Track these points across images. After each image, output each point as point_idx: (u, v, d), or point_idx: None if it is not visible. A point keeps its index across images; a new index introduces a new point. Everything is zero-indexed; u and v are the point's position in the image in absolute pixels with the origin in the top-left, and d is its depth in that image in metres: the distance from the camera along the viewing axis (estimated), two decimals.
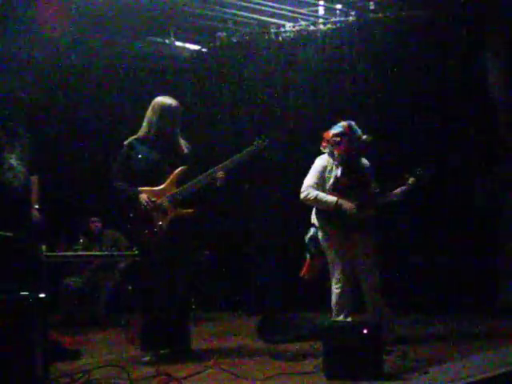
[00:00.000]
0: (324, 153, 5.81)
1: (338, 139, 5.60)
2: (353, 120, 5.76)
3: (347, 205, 5.52)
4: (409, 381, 4.38)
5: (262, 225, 8.30)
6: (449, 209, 7.52)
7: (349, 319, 5.59)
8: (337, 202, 5.54)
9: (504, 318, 6.73)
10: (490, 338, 5.80)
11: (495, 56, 7.42)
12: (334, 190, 5.61)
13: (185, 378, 4.58)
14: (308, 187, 5.66)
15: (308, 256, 6.06)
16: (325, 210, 5.62)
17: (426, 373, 4.50)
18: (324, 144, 5.84)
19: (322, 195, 5.60)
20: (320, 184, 5.65)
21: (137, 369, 4.93)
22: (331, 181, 5.64)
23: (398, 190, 5.62)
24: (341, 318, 5.61)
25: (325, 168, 5.68)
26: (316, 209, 5.75)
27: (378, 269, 5.68)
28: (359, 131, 5.64)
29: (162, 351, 5.28)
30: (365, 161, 5.78)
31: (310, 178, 5.69)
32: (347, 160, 5.61)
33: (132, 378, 4.54)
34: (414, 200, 6.15)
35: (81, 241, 7.63)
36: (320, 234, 5.78)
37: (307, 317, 6.45)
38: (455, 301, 7.21)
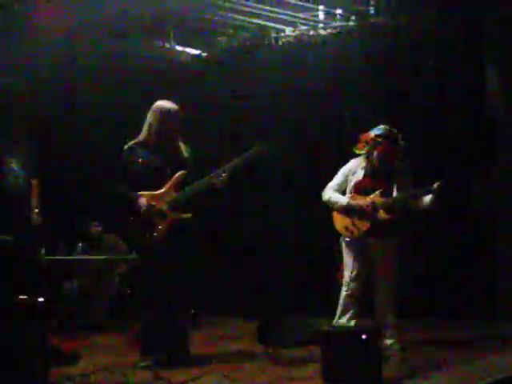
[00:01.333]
0: (358, 155, 5.81)
1: (380, 139, 5.61)
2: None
3: (360, 203, 5.54)
4: None
5: (262, 229, 8.29)
6: (448, 212, 7.52)
7: (352, 323, 5.59)
8: (348, 202, 5.57)
9: (504, 322, 6.72)
10: (490, 343, 5.79)
11: (494, 60, 7.43)
12: (354, 192, 5.64)
13: (184, 382, 4.58)
14: (327, 188, 5.76)
15: (341, 259, 6.04)
16: (340, 212, 5.63)
17: (425, 378, 4.50)
18: (361, 145, 5.80)
19: (335, 196, 5.67)
20: (343, 185, 5.73)
21: (135, 373, 4.93)
22: (353, 182, 5.68)
23: (426, 198, 5.57)
24: (343, 320, 5.60)
25: (350, 170, 5.75)
26: (333, 210, 5.74)
27: (394, 280, 5.64)
28: (399, 136, 5.67)
29: (161, 356, 5.27)
30: (402, 164, 5.77)
31: (333, 180, 5.79)
32: (383, 162, 5.62)
33: (131, 382, 4.54)
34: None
35: (80, 245, 7.63)
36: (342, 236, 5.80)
37: (307, 322, 6.43)
38: (455, 306, 7.20)
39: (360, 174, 5.69)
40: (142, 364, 5.20)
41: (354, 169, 5.74)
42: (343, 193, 5.73)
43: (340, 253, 5.87)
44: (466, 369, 4.82)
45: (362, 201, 5.57)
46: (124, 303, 7.63)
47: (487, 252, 7.42)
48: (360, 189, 5.65)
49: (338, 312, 5.67)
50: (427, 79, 7.71)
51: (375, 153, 5.63)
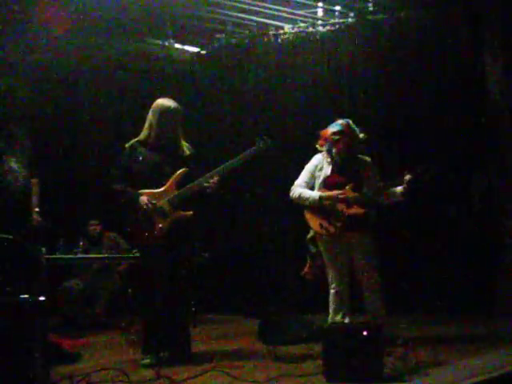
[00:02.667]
0: (320, 151, 5.81)
1: (338, 137, 5.61)
2: (352, 120, 5.77)
3: (331, 194, 5.53)
4: (409, 383, 4.38)
5: (261, 227, 8.30)
6: (447, 208, 7.52)
7: (346, 320, 5.61)
8: (320, 196, 5.56)
9: (504, 319, 6.73)
10: (490, 340, 5.79)
11: (494, 56, 7.42)
12: (324, 188, 5.63)
13: (185, 380, 4.58)
14: (295, 186, 5.74)
15: (309, 256, 6.06)
16: (312, 207, 5.62)
17: (426, 375, 4.50)
18: (321, 142, 5.82)
19: (306, 192, 5.66)
20: (310, 182, 5.71)
21: (137, 372, 4.93)
22: (321, 179, 5.66)
23: (396, 190, 5.58)
24: (338, 318, 5.62)
25: (316, 167, 5.73)
26: (306, 207, 5.73)
27: (377, 270, 5.67)
28: (357, 129, 5.66)
29: (162, 354, 5.27)
30: (366, 158, 5.78)
31: (300, 177, 5.77)
32: (344, 158, 5.62)
33: (132, 380, 4.54)
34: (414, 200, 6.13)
35: (81, 243, 7.63)
36: (316, 235, 5.79)
37: (307, 319, 6.45)
38: (455, 302, 7.21)
39: (328, 170, 5.68)
40: (144, 362, 5.21)
41: (320, 164, 5.73)
42: (311, 189, 5.71)
43: (308, 250, 5.91)
44: (467, 365, 4.82)
45: (335, 193, 5.55)
46: (125, 301, 7.63)
47: (486, 249, 7.42)
48: (329, 184, 5.64)
49: (331, 311, 5.71)
50: (427, 75, 7.71)
51: (334, 150, 5.64)
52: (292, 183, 5.81)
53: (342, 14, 8.29)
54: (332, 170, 5.66)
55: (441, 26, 7.62)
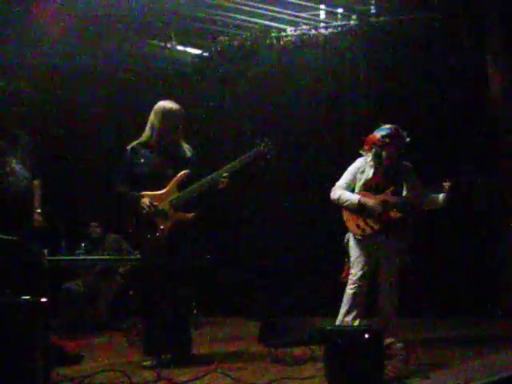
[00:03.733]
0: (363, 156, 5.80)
1: (387, 140, 5.61)
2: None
3: (371, 201, 5.54)
4: None
5: (264, 229, 8.30)
6: (449, 211, 7.52)
7: (356, 322, 5.59)
8: (359, 200, 5.57)
9: (506, 321, 6.72)
10: (491, 342, 5.78)
11: (496, 58, 7.43)
12: (364, 190, 5.64)
13: (186, 382, 4.58)
14: (336, 187, 5.75)
15: (347, 259, 6.04)
16: (351, 210, 5.63)
17: (427, 377, 4.50)
18: (367, 147, 5.79)
19: (346, 194, 5.67)
20: (352, 185, 5.73)
21: (138, 373, 4.92)
22: (361, 181, 5.68)
23: (438, 196, 5.57)
24: (348, 319, 5.60)
25: (358, 169, 5.75)
26: (343, 209, 5.74)
27: (398, 277, 5.64)
28: (405, 135, 5.67)
29: (163, 356, 5.27)
30: (407, 164, 5.77)
31: (341, 179, 5.79)
32: (391, 162, 5.62)
33: (133, 382, 4.54)
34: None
35: (83, 245, 7.64)
36: (348, 234, 5.80)
37: (308, 321, 6.44)
38: (457, 304, 7.20)
39: (370, 173, 5.68)
40: (145, 364, 5.21)
41: (362, 167, 5.74)
42: (352, 191, 5.73)
43: (346, 253, 5.87)
44: (468, 367, 4.81)
45: (373, 200, 5.56)
46: (126, 303, 7.63)
47: (489, 250, 7.42)
48: (370, 187, 5.65)
49: (343, 311, 5.66)
50: (429, 78, 7.71)
51: (384, 153, 5.62)
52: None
53: (345, 17, 8.30)
54: (374, 173, 5.66)
55: (443, 29, 7.63)
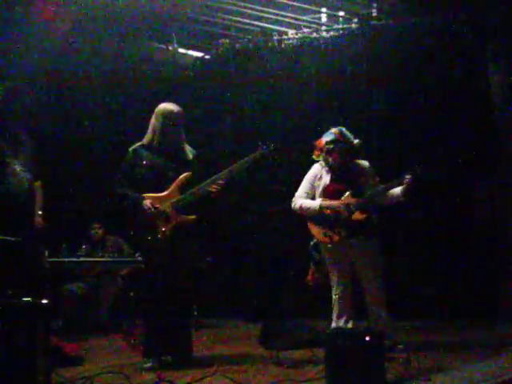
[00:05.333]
0: (317, 161, 5.82)
1: (332, 146, 5.63)
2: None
3: (333, 203, 5.54)
4: None
5: (265, 231, 8.30)
6: (449, 214, 7.53)
7: (349, 325, 5.61)
8: (320, 204, 5.57)
9: (506, 325, 6.72)
10: (491, 345, 5.78)
11: (496, 61, 7.44)
12: (323, 197, 5.64)
13: None
14: (296, 197, 5.77)
15: (312, 263, 6.07)
16: (314, 217, 5.63)
17: (428, 380, 4.50)
18: (317, 152, 5.84)
19: (306, 202, 5.68)
20: (311, 193, 5.73)
21: (138, 375, 4.93)
22: (320, 188, 5.68)
23: (396, 190, 5.58)
24: (340, 323, 5.63)
25: (315, 176, 5.75)
26: (308, 217, 5.74)
27: (379, 275, 5.67)
28: (351, 136, 5.67)
29: (163, 358, 5.28)
30: (363, 162, 5.78)
31: (300, 189, 5.80)
32: (341, 166, 5.63)
33: None
34: (416, 204, 6.12)
35: (83, 247, 7.63)
36: (314, 241, 5.81)
37: (309, 324, 6.45)
38: (457, 307, 7.20)
39: (327, 179, 5.69)
40: (145, 366, 5.21)
41: (318, 174, 5.75)
42: (312, 200, 5.72)
43: (311, 257, 5.91)
44: (469, 370, 4.81)
45: (335, 201, 5.57)
46: (127, 305, 7.62)
47: (489, 253, 7.42)
48: (329, 193, 5.66)
49: (334, 316, 5.72)
50: (430, 81, 7.72)
51: (330, 159, 5.65)
52: (294, 187, 5.82)
53: (346, 20, 8.30)
54: (331, 179, 5.67)
55: (444, 32, 7.63)
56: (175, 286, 5.30)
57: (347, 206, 5.55)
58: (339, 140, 5.62)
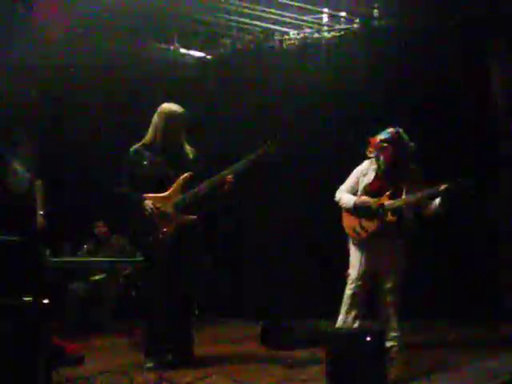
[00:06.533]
0: (369, 158, 5.82)
1: (385, 145, 5.62)
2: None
3: (367, 200, 5.57)
4: None
5: (266, 230, 8.31)
6: (449, 212, 7.52)
7: (356, 324, 5.60)
8: (355, 201, 5.62)
9: (508, 324, 6.72)
10: (493, 345, 5.78)
11: (497, 62, 7.44)
12: (365, 193, 5.67)
13: (188, 383, 4.59)
14: (340, 190, 5.81)
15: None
16: (349, 212, 5.67)
17: (428, 380, 4.50)
18: (370, 149, 5.82)
19: (345, 196, 5.72)
20: (355, 187, 5.77)
21: (140, 375, 4.93)
22: (363, 184, 5.71)
23: (434, 202, 5.53)
24: (348, 319, 5.61)
25: (362, 172, 5.79)
26: (344, 212, 5.77)
27: (399, 280, 5.64)
28: (407, 138, 5.66)
29: (165, 357, 5.28)
30: (415, 168, 5.71)
31: (346, 182, 5.84)
32: (390, 166, 5.63)
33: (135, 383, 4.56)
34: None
35: (85, 246, 7.65)
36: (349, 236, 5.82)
37: (310, 324, 6.45)
38: (459, 307, 7.20)
39: (371, 176, 5.71)
40: (147, 365, 5.21)
41: (365, 170, 5.78)
42: (355, 194, 5.76)
43: (349, 252, 5.89)
44: (469, 371, 4.81)
45: (371, 200, 5.59)
46: (128, 305, 7.63)
47: (489, 252, 7.42)
48: (370, 191, 5.67)
49: (342, 311, 5.68)
50: (431, 81, 7.71)
51: (381, 157, 5.64)
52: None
53: (348, 20, 8.29)
54: (374, 177, 5.68)
55: (445, 33, 7.63)
56: (176, 286, 5.30)
57: (381, 206, 5.55)
58: (393, 140, 5.62)
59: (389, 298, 5.62)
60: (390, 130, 5.67)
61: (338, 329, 5.45)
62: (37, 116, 7.50)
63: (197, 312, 6.96)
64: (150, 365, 5.22)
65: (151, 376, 4.87)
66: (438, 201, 5.48)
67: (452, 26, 7.59)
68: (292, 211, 8.02)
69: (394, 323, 5.59)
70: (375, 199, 5.59)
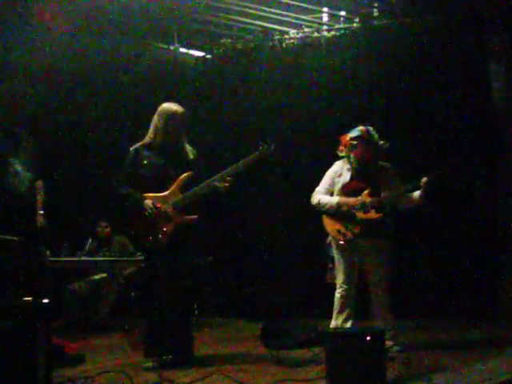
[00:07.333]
0: (341, 157, 5.82)
1: (355, 143, 5.63)
2: (356, 125, 5.78)
3: (350, 201, 5.55)
4: None
5: (265, 231, 8.30)
6: (448, 213, 7.52)
7: (348, 324, 5.61)
8: (338, 201, 5.58)
9: (507, 325, 6.72)
10: (492, 345, 5.78)
11: (498, 60, 7.43)
12: (342, 194, 5.65)
13: (188, 383, 4.58)
14: (315, 192, 5.77)
15: (330, 261, 6.05)
16: (331, 214, 5.64)
17: (428, 380, 4.50)
18: (341, 148, 5.83)
19: (325, 198, 5.69)
20: (330, 189, 5.74)
21: (139, 375, 4.93)
22: (340, 185, 5.68)
23: (414, 194, 5.57)
24: (339, 321, 5.62)
25: (336, 173, 5.76)
26: (324, 213, 5.75)
27: (388, 279, 5.65)
28: (376, 136, 5.67)
29: (164, 357, 5.28)
30: (385, 164, 5.77)
31: (321, 184, 5.80)
32: (362, 164, 5.63)
33: (135, 383, 4.55)
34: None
35: (86, 246, 7.65)
36: (330, 238, 5.81)
37: (309, 323, 6.45)
38: (458, 307, 7.20)
39: (347, 176, 5.70)
40: (146, 365, 5.21)
41: (339, 171, 5.76)
42: (331, 196, 5.74)
43: (328, 255, 5.91)
44: (469, 371, 4.81)
45: (352, 199, 5.58)
46: (128, 304, 7.64)
47: (489, 252, 7.42)
48: (348, 191, 5.67)
49: (334, 314, 5.71)
50: (430, 80, 7.71)
51: (352, 155, 5.65)
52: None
53: (347, 20, 8.31)
54: (351, 176, 5.68)
55: (445, 32, 7.63)
56: (176, 286, 5.30)
57: (363, 204, 5.55)
58: (363, 137, 5.62)
59: (380, 299, 5.61)
60: (360, 127, 5.68)
61: (338, 329, 5.45)
62: (38, 116, 7.50)
63: (196, 312, 6.98)
64: (149, 364, 5.22)
65: (150, 376, 4.86)
66: (417, 193, 5.51)
67: (451, 25, 7.60)
68: (293, 211, 8.02)
69: (390, 322, 5.57)
70: (357, 198, 5.59)
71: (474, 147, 7.47)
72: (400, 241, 7.40)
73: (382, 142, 5.68)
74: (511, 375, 4.54)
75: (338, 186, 5.72)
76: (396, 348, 5.49)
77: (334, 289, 5.79)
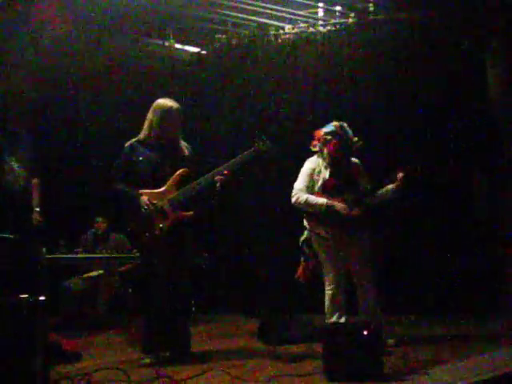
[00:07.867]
0: (314, 153, 5.80)
1: (329, 138, 5.62)
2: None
3: (338, 205, 5.54)
4: (409, 382, 4.38)
5: (261, 227, 8.30)
6: (448, 209, 7.53)
7: (342, 320, 5.61)
8: (327, 203, 5.56)
9: (504, 318, 6.73)
10: (490, 339, 5.79)
11: (495, 58, 7.43)
12: (323, 192, 5.63)
13: (185, 380, 4.59)
14: (298, 191, 5.67)
15: (302, 258, 6.05)
16: (315, 213, 5.64)
17: (426, 374, 4.51)
18: (314, 142, 5.82)
19: (312, 198, 5.61)
20: (310, 187, 5.67)
21: (137, 371, 4.93)
22: (320, 183, 5.66)
23: (390, 187, 5.59)
24: (334, 319, 5.62)
25: (313, 170, 5.71)
26: (305, 211, 5.74)
27: (371, 269, 5.67)
28: (350, 132, 5.66)
29: (162, 353, 5.28)
30: (356, 160, 5.79)
31: (300, 182, 5.71)
32: (336, 159, 5.63)
33: (132, 380, 4.55)
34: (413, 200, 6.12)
35: (89, 232, 7.65)
36: (312, 236, 5.79)
37: (307, 319, 6.46)
38: (455, 301, 7.21)
39: (325, 173, 5.67)
40: (144, 361, 5.22)
41: (317, 168, 5.71)
42: (311, 194, 5.68)
43: (303, 252, 5.91)
44: (466, 365, 4.82)
45: (338, 199, 5.56)
46: (125, 301, 7.64)
47: (488, 247, 7.43)
48: (328, 188, 5.63)
49: (327, 312, 5.69)
50: (427, 76, 7.71)
51: (325, 150, 5.64)
52: (290, 183, 5.79)
53: (343, 15, 8.29)
54: (330, 174, 5.66)
55: (441, 27, 7.62)
56: (173, 282, 5.30)
57: (347, 202, 5.55)
58: (337, 133, 5.61)
59: (366, 292, 5.62)
60: (335, 123, 5.68)
61: (335, 323, 5.45)
62: (35, 114, 7.49)
63: (194, 308, 6.99)
64: (146, 361, 5.23)
65: (148, 372, 4.87)
66: (389, 187, 5.54)
67: (448, 21, 7.59)
68: (291, 208, 8.01)
69: (376, 316, 5.57)
70: (344, 206, 5.56)
71: (472, 145, 7.47)
72: (399, 237, 7.49)
73: (355, 139, 5.68)
74: (508, 369, 4.56)
75: (318, 184, 5.68)
76: (392, 342, 5.50)
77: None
